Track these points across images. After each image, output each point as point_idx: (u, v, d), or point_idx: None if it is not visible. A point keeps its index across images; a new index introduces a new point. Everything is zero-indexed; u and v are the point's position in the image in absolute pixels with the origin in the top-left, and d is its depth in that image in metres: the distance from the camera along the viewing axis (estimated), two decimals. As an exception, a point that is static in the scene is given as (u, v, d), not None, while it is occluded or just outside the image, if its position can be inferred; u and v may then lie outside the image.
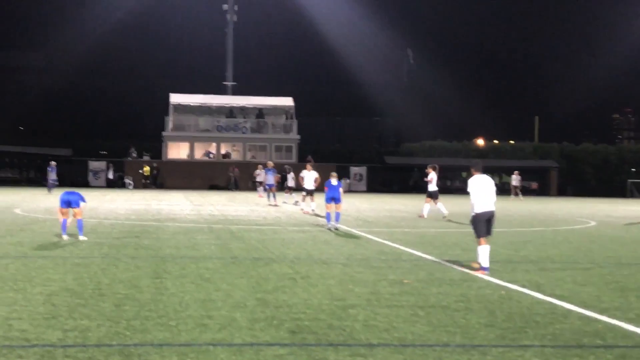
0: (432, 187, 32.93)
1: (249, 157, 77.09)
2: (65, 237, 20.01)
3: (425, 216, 32.45)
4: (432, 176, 33.02)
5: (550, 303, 11.97)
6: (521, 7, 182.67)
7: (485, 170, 16.06)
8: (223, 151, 78.52)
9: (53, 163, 56.66)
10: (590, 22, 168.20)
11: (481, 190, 15.32)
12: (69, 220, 20.36)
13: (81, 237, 19.92)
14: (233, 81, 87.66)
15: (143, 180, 73.46)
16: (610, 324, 10.48)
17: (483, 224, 15.19)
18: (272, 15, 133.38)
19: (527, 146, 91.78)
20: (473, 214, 15.41)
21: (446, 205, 33.20)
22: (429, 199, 32.98)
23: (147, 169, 74.22)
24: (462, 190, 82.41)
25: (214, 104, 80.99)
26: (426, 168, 34.37)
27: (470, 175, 15.86)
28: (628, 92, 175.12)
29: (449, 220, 30.42)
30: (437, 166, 34.26)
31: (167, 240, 20.48)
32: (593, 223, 32.60)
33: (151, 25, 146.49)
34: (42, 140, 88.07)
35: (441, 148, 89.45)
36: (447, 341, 9.19)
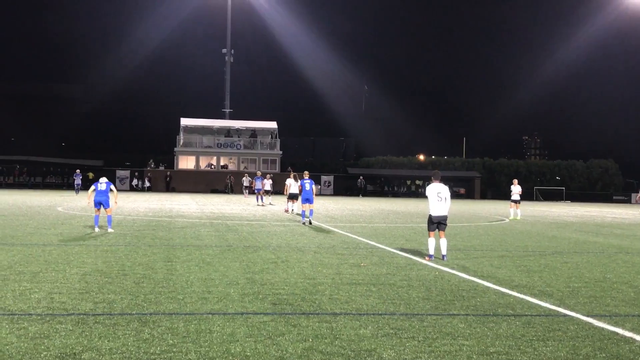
0: (294, 190, 31.64)
1: (242, 168, 76.86)
2: (96, 229, 19.86)
3: (289, 211, 32.33)
4: (291, 181, 32.11)
5: (473, 281, 12.02)
6: (453, 53, 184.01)
7: (424, 179, 16.03)
8: (222, 163, 78.19)
9: (78, 170, 56.20)
10: (505, 66, 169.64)
11: (435, 195, 15.14)
12: (100, 216, 20.25)
13: (110, 230, 19.77)
14: (230, 108, 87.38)
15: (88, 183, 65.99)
16: (519, 297, 10.54)
17: (434, 223, 15.12)
18: (260, 57, 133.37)
19: (457, 160, 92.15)
20: (429, 214, 15.26)
21: (392, 205, 33.12)
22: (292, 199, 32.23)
23: (91, 174, 67.11)
24: (407, 194, 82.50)
25: (215, 126, 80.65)
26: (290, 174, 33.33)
27: (430, 182, 15.75)
28: (535, 119, 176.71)
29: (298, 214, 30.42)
30: (296, 174, 33.31)
31: (177, 232, 20.37)
32: (507, 220, 32.79)
33: (167, 64, 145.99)
34: (80, 153, 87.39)
35: (391, 161, 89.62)
36: (393, 310, 9.20)
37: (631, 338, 7.96)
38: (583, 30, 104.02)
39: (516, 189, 34.89)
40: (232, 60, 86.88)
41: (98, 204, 19.80)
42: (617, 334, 8.17)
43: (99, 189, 19.90)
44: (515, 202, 34.48)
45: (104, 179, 20.34)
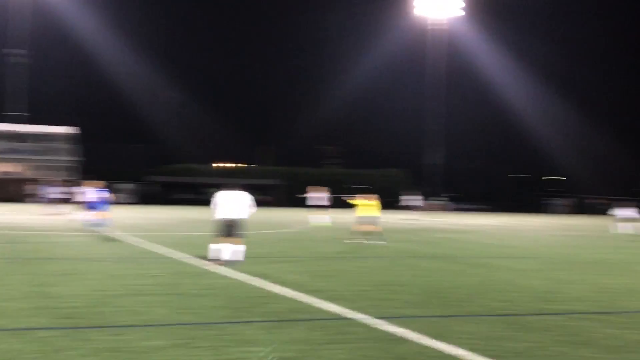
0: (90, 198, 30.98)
1: (36, 175, 72.37)
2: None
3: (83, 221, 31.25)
4: (85, 189, 31.03)
5: (268, 288, 12.11)
6: (259, 62, 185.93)
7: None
8: (7, 170, 73.47)
9: None
10: (310, 76, 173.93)
11: (224, 202, 15.33)
12: None
13: None
14: (28, 112, 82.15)
15: None
16: (313, 301, 10.80)
17: (223, 228, 15.26)
18: (60, 60, 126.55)
19: (260, 168, 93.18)
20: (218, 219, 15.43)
21: (193, 214, 32.49)
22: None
23: None
24: (208, 203, 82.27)
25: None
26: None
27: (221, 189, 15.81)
28: (336, 130, 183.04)
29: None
30: (96, 182, 32.30)
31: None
32: (299, 228, 33.51)
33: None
34: None
35: (195, 169, 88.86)
36: (188, 320, 9.09)
37: (415, 338, 8.39)
38: (378, 47, 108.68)
39: (322, 195, 35.98)
40: (26, 61, 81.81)
41: None
42: (401, 335, 8.55)
43: None
44: (321, 207, 35.68)
45: None
